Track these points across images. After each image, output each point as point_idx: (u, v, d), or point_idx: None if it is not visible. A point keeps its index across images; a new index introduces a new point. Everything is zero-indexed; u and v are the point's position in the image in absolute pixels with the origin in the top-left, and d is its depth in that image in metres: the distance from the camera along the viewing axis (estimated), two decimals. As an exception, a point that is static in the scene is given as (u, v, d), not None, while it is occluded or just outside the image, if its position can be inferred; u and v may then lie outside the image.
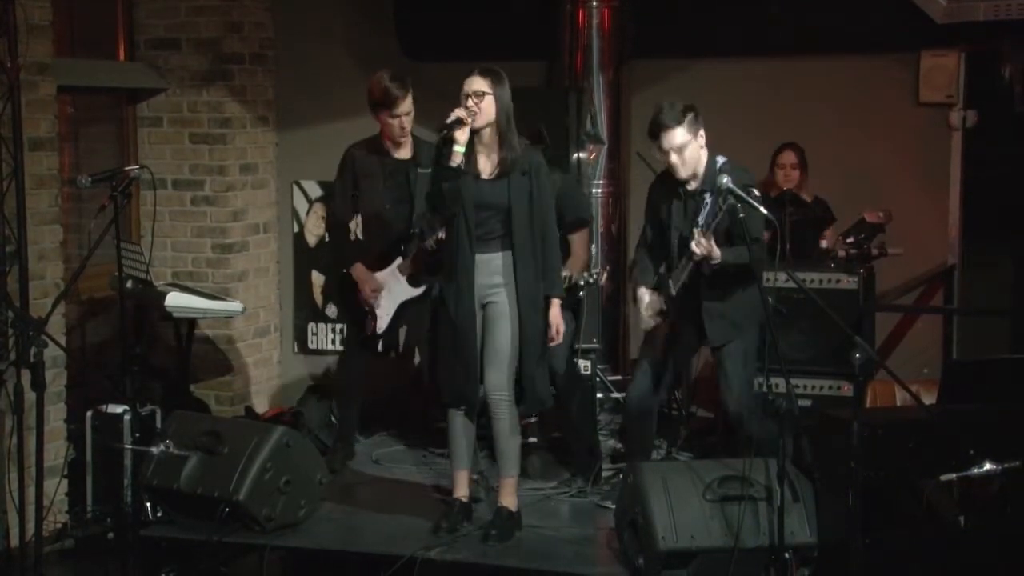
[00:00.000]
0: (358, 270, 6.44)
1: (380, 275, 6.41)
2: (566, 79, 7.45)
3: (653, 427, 6.02)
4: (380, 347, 6.54)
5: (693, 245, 5.34)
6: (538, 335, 5.54)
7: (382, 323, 6.43)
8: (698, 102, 5.61)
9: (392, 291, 6.42)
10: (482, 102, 5.37)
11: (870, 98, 7.44)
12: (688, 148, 5.47)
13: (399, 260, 6.40)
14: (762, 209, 5.18)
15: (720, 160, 5.54)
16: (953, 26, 7.03)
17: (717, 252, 5.32)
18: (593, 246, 7.33)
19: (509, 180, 5.45)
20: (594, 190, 7.38)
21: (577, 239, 6.44)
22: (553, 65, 7.58)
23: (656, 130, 5.48)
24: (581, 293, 6.31)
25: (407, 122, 6.31)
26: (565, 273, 6.00)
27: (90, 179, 5.39)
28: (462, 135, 5.36)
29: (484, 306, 5.55)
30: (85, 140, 7.30)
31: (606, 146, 7.53)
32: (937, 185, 7.41)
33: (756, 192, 5.22)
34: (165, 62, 7.52)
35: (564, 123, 6.90)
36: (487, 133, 5.44)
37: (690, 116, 5.47)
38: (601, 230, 7.43)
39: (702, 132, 5.52)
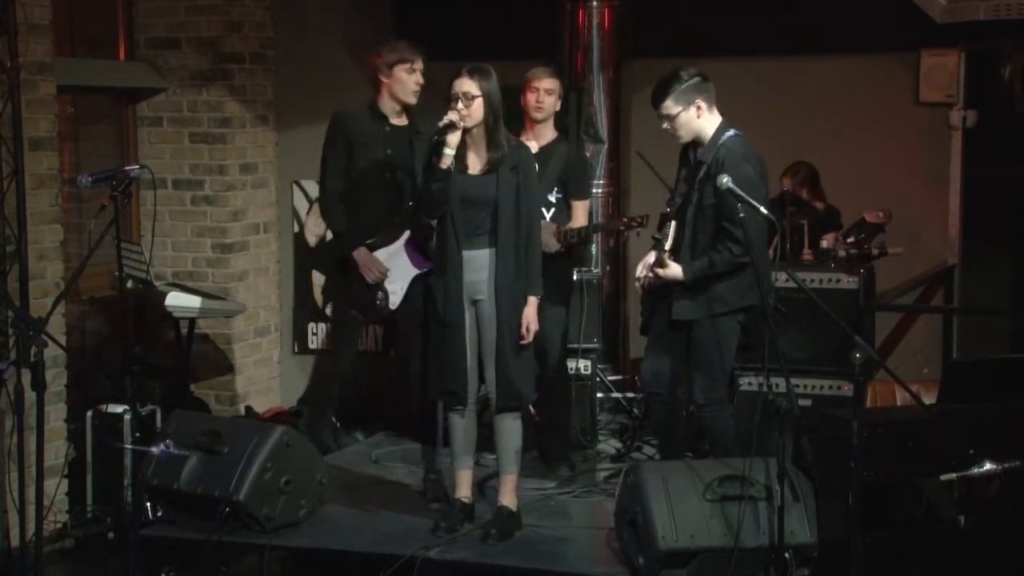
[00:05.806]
0: (361, 254, 6.13)
1: (390, 248, 6.16)
2: (566, 79, 7.44)
3: (679, 421, 5.89)
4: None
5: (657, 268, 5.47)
6: (515, 330, 5.48)
7: (395, 299, 6.17)
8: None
9: (401, 267, 6.17)
10: (472, 104, 5.37)
11: (870, 98, 7.44)
12: (679, 118, 5.46)
13: (407, 233, 6.13)
14: (763, 210, 5.18)
15: (728, 133, 5.49)
16: (953, 26, 7.04)
17: (677, 273, 5.44)
18: (593, 245, 7.35)
19: (498, 175, 5.45)
20: (594, 190, 7.37)
21: (579, 205, 6.39)
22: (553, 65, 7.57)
23: (652, 100, 5.52)
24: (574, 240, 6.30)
25: (421, 80, 6.17)
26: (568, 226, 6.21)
27: (90, 179, 5.38)
28: (453, 138, 5.37)
29: (475, 303, 5.53)
30: (85, 140, 7.29)
31: (606, 145, 7.55)
32: (937, 185, 7.41)
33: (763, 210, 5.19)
34: (165, 61, 7.52)
35: (564, 122, 6.90)
36: (476, 131, 5.45)
37: (686, 86, 5.43)
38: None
39: (699, 101, 5.45)
